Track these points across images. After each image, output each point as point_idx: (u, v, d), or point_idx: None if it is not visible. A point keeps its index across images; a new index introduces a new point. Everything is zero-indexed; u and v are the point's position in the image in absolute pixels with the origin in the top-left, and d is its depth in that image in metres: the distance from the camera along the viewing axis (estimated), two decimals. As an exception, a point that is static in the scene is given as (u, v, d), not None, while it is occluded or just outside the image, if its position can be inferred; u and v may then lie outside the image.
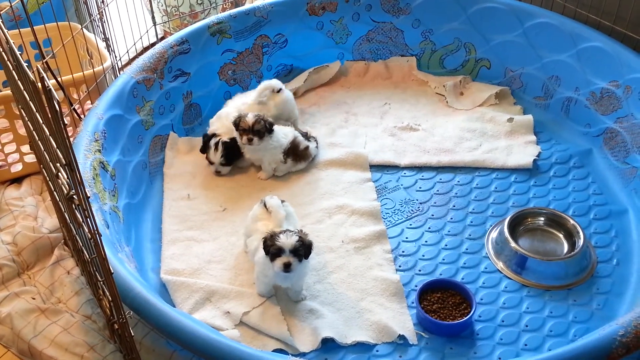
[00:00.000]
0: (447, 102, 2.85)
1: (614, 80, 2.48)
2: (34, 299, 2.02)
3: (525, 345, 1.90)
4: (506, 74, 2.89)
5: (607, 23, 2.56)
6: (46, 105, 1.18)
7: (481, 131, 2.66)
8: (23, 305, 1.99)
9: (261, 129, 2.34)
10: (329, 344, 1.89)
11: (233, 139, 2.42)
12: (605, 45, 2.51)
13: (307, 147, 2.48)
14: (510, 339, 1.91)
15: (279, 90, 2.59)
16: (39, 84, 1.19)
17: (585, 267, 2.10)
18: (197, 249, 2.19)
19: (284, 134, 2.43)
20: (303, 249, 1.88)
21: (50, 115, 1.20)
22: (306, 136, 2.51)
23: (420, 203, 2.38)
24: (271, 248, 1.88)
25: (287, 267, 1.86)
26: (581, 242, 2.11)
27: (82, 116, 2.34)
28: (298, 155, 2.47)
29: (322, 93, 2.94)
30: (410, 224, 2.29)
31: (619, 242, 2.20)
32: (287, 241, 1.86)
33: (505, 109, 2.79)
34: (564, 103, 2.69)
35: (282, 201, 2.08)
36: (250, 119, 2.34)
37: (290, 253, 1.86)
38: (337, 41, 3.00)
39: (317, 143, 2.56)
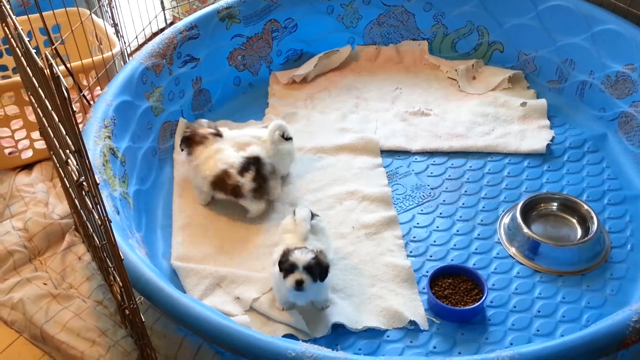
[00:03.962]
0: (459, 86, 2.81)
1: (629, 64, 2.44)
2: (45, 284, 2.03)
3: (538, 330, 1.88)
4: (519, 58, 2.85)
5: (623, 5, 2.51)
6: (55, 92, 1.18)
7: (494, 116, 2.62)
8: (35, 290, 2.00)
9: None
10: (339, 330, 1.88)
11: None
12: (621, 28, 2.47)
13: (238, 186, 2.14)
14: (522, 325, 1.90)
15: (289, 139, 2.31)
16: (48, 71, 1.18)
17: (599, 253, 2.07)
18: (207, 235, 2.18)
19: (225, 156, 2.18)
20: (318, 269, 1.79)
21: (59, 102, 1.19)
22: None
23: (432, 188, 2.36)
24: (285, 264, 1.79)
25: (299, 285, 1.77)
26: (595, 227, 2.08)
27: (91, 102, 2.34)
28: (227, 190, 2.17)
29: (332, 78, 2.92)
30: (422, 210, 2.28)
31: (634, 227, 2.17)
32: (301, 257, 1.77)
33: (519, 93, 2.75)
34: (579, 87, 2.65)
35: (315, 215, 1.99)
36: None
37: (303, 270, 1.77)
38: (347, 25, 2.97)
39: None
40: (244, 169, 2.16)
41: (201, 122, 2.34)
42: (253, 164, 2.17)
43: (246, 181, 2.14)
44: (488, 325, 1.90)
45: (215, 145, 2.23)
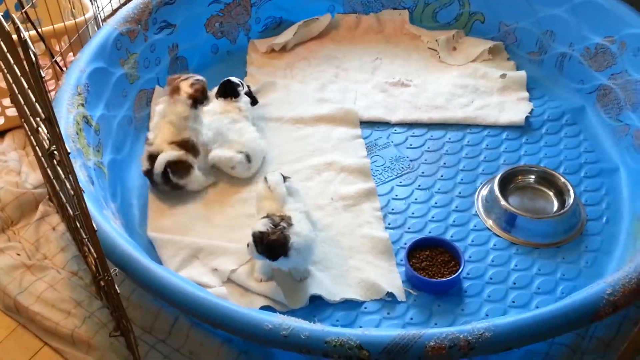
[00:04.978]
0: (439, 57, 2.79)
1: (609, 36, 2.43)
2: (19, 255, 2.00)
3: (513, 302, 1.90)
4: (500, 29, 2.82)
5: (605, -24, 2.50)
6: (23, 57, 1.13)
7: (474, 87, 2.61)
8: (8, 261, 1.97)
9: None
10: (317, 302, 1.88)
11: None
12: (601, 0, 2.45)
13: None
14: (498, 296, 1.92)
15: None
16: (15, 35, 1.13)
17: (575, 225, 2.09)
18: (184, 206, 2.16)
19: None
20: (260, 247, 1.77)
21: (27, 68, 1.14)
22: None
23: (411, 160, 2.35)
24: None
25: (248, 246, 1.81)
26: (571, 200, 2.10)
27: (64, 69, 2.28)
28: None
29: (312, 47, 2.87)
30: (400, 182, 2.27)
31: (609, 199, 2.19)
32: (255, 226, 1.78)
33: (499, 64, 2.74)
34: (558, 59, 2.65)
35: (286, 178, 1.98)
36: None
37: (252, 238, 1.79)
38: (327, -7, 2.92)
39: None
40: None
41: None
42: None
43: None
44: (464, 296, 1.92)
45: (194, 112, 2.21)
